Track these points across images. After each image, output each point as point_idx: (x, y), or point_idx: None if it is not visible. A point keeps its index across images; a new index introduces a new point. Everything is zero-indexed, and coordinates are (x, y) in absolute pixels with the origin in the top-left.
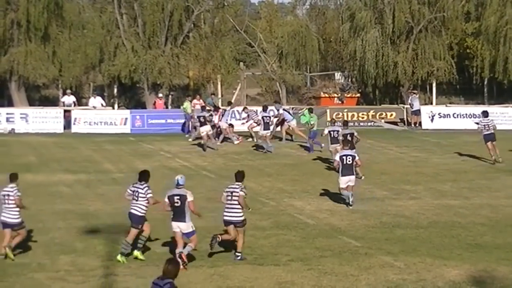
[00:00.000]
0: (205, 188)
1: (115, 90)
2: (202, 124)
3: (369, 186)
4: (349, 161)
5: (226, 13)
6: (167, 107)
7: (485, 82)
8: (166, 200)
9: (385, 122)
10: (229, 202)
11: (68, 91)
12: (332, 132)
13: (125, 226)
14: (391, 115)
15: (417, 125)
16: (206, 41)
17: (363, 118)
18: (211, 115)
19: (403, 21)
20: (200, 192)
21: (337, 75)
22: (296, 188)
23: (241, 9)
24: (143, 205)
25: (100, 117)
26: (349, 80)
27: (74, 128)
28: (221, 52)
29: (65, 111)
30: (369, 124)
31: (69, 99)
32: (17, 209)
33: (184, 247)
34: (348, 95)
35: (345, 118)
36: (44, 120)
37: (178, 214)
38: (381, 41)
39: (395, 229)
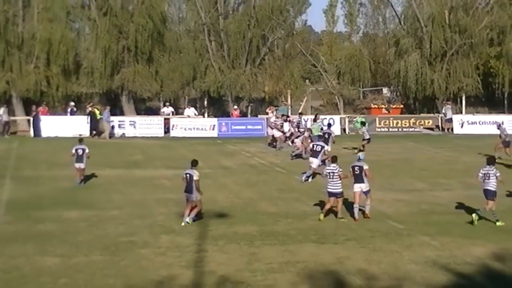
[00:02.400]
0: (277, 181)
1: (205, 102)
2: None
3: (411, 179)
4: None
5: (295, 40)
6: (245, 116)
7: (506, 95)
8: None
9: (424, 128)
10: (330, 179)
11: (167, 103)
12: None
13: (214, 212)
14: (428, 122)
15: (449, 130)
16: (279, 63)
17: (405, 124)
18: (282, 123)
19: (439, 46)
20: (273, 184)
21: (385, 90)
22: (352, 181)
23: (307, 37)
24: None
25: (193, 124)
26: (394, 94)
27: (172, 133)
28: (290, 71)
29: (165, 119)
30: (410, 129)
31: (168, 110)
32: None
33: None
34: (394, 106)
35: (391, 125)
36: (148, 126)
37: None
38: (420, 62)
39: (432, 215)
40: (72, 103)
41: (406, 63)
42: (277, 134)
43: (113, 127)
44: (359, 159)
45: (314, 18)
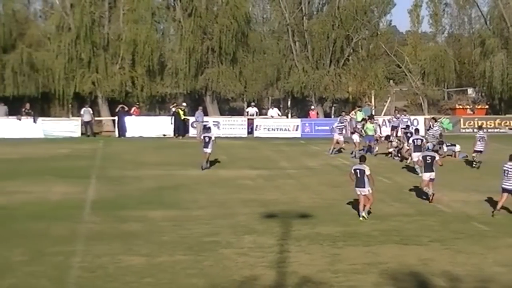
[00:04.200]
0: None
1: (289, 103)
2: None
3: (496, 181)
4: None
5: (379, 40)
6: (329, 117)
7: None
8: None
9: (509, 128)
10: (508, 176)
11: (252, 103)
12: (416, 141)
13: (297, 212)
14: None
15: None
16: (363, 63)
17: (490, 125)
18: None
19: None
20: None
21: (470, 91)
22: (435, 182)
23: (391, 37)
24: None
25: (276, 124)
26: (479, 94)
27: (256, 133)
28: (374, 72)
29: (248, 119)
30: (495, 130)
31: (253, 110)
32: None
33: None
34: (479, 107)
35: (475, 126)
36: (232, 126)
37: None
38: (506, 63)
39: None
40: (184, 103)
41: (491, 63)
42: (339, 138)
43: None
44: (428, 149)
45: (398, 19)
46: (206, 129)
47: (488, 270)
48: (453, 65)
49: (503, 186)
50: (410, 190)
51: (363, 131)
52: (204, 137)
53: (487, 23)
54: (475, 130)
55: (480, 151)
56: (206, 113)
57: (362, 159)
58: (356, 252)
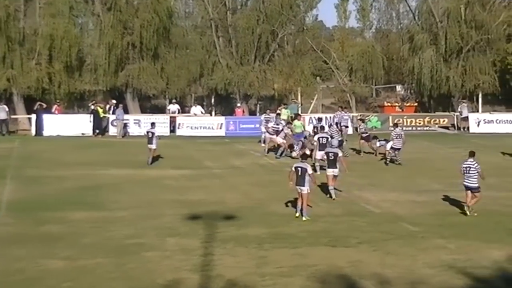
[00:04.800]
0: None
1: (213, 100)
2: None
3: (426, 180)
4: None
5: (306, 36)
6: (254, 114)
7: None
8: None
9: (439, 127)
10: (470, 173)
11: (173, 100)
12: (321, 139)
13: (223, 213)
14: (444, 121)
15: (465, 129)
16: (289, 59)
17: (420, 123)
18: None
19: (454, 42)
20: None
21: (398, 87)
22: (365, 182)
23: (318, 32)
24: None
25: (200, 123)
26: (408, 91)
27: (179, 132)
28: (301, 68)
29: (171, 117)
30: (425, 128)
31: (174, 107)
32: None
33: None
34: (408, 104)
35: (405, 124)
36: None
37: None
38: (435, 59)
39: (448, 217)
40: (114, 101)
41: (420, 59)
42: (279, 140)
43: (126, 125)
44: (331, 145)
45: (325, 13)
46: (151, 124)
47: (418, 272)
48: (381, 61)
49: (465, 183)
50: (340, 189)
51: (290, 129)
52: (148, 132)
53: (416, 18)
54: (405, 129)
55: (398, 149)
56: (127, 111)
57: (304, 157)
58: (284, 254)
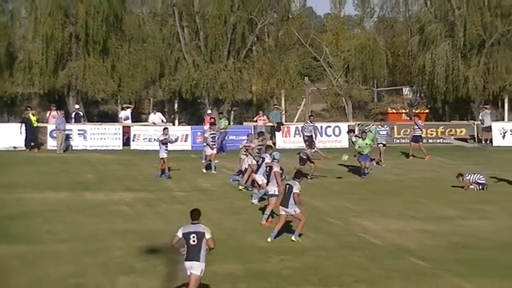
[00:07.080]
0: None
1: (176, 106)
2: None
3: (439, 205)
4: None
5: (291, 26)
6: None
7: None
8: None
9: (455, 139)
10: None
11: (125, 105)
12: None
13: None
14: (461, 131)
15: (488, 142)
16: (270, 55)
17: (432, 134)
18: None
19: (475, 34)
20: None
21: (405, 90)
22: (364, 208)
23: (307, 22)
24: None
25: (160, 134)
26: (418, 95)
27: (133, 145)
28: (285, 66)
29: (124, 127)
30: (438, 141)
31: (125, 113)
32: None
33: None
34: (417, 111)
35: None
36: (102, 136)
37: None
38: (451, 55)
39: (465, 250)
40: (77, 106)
41: (433, 55)
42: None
43: (68, 137)
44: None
45: None
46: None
47: None
48: (384, 58)
49: None
50: (333, 217)
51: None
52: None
53: (428, 4)
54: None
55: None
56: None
57: (297, 175)
58: None
